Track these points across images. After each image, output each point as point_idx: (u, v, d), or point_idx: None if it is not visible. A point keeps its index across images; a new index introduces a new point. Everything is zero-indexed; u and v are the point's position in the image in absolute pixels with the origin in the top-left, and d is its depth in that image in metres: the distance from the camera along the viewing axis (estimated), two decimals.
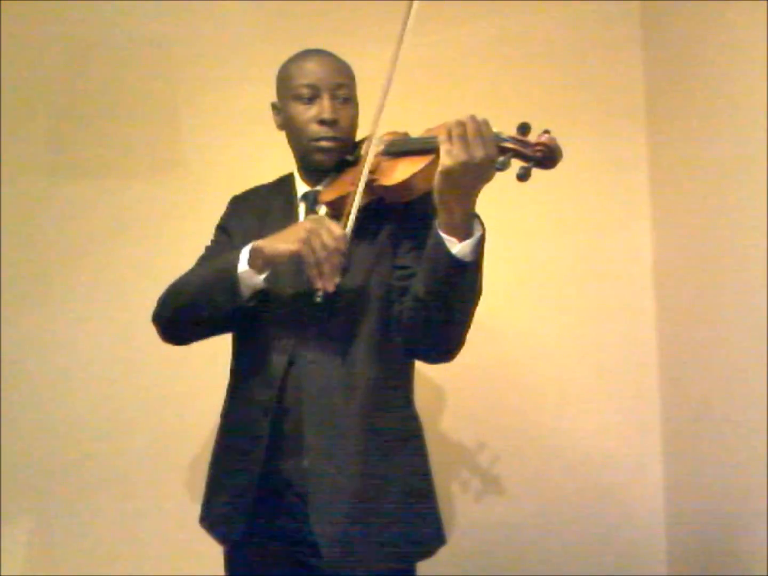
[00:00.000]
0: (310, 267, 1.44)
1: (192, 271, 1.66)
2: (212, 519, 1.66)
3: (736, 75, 1.96)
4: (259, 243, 1.49)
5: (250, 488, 1.55)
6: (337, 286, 1.47)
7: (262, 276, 1.50)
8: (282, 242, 1.47)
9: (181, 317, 1.61)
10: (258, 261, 1.49)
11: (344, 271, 1.48)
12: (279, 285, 1.55)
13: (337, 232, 1.43)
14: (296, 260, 1.47)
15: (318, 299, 1.46)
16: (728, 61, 2.00)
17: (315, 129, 1.57)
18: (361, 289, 1.54)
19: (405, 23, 1.50)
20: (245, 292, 1.51)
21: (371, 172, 1.51)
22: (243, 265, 1.49)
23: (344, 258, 1.44)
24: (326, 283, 1.43)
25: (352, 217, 1.47)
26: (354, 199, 1.48)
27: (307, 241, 1.43)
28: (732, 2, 1.95)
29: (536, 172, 1.30)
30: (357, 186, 1.49)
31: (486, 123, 1.29)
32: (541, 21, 2.41)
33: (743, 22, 1.92)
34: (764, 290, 1.83)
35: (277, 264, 1.50)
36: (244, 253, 1.50)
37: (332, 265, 1.42)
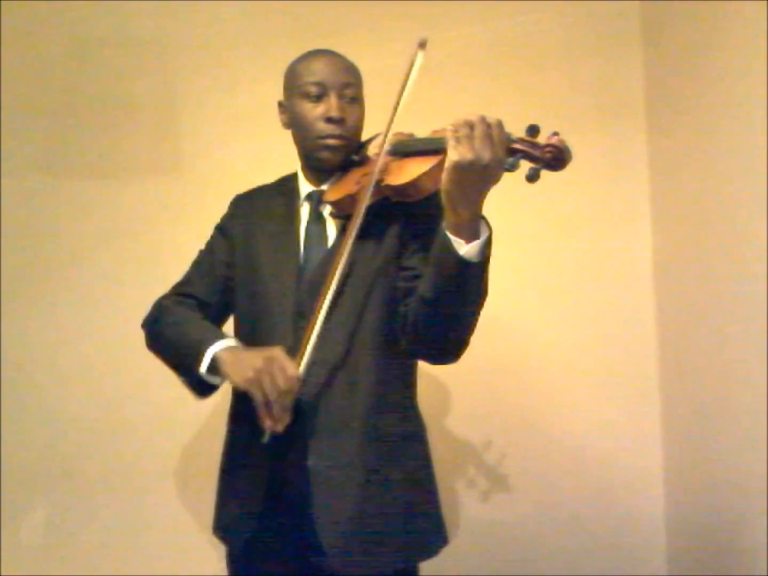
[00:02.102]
0: (258, 407, 1.41)
1: (170, 314, 1.66)
2: (224, 524, 1.66)
3: (736, 75, 1.96)
4: (221, 356, 1.48)
5: (258, 489, 1.55)
6: (343, 287, 1.47)
7: (220, 379, 1.51)
8: (237, 371, 1.44)
9: (158, 355, 1.66)
10: (216, 372, 1.49)
11: (347, 278, 1.49)
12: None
13: (290, 372, 1.39)
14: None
15: (265, 440, 1.45)
16: (728, 61, 2.00)
17: (322, 127, 1.57)
18: (367, 290, 1.54)
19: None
20: (206, 380, 1.52)
21: (378, 172, 1.51)
22: (203, 367, 1.49)
23: (295, 397, 1.42)
24: (274, 424, 1.42)
25: (310, 347, 1.45)
26: (315, 325, 1.46)
27: (257, 382, 1.39)
28: (732, 2, 1.96)
29: (544, 173, 1.30)
30: (360, 208, 1.47)
31: (499, 124, 1.28)
32: (541, 21, 2.41)
33: (743, 23, 1.92)
34: (764, 290, 1.83)
35: None
36: (206, 359, 1.49)
37: (282, 406, 1.41)
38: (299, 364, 1.43)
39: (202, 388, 1.55)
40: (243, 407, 1.63)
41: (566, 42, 2.43)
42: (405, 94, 1.50)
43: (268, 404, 1.40)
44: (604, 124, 2.41)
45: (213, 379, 1.51)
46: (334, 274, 1.47)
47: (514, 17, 2.41)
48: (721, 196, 2.05)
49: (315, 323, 1.46)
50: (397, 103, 1.50)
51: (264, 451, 1.53)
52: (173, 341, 1.60)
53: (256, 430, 1.55)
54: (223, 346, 1.49)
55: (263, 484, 1.55)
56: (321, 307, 1.46)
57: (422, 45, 1.51)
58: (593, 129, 2.39)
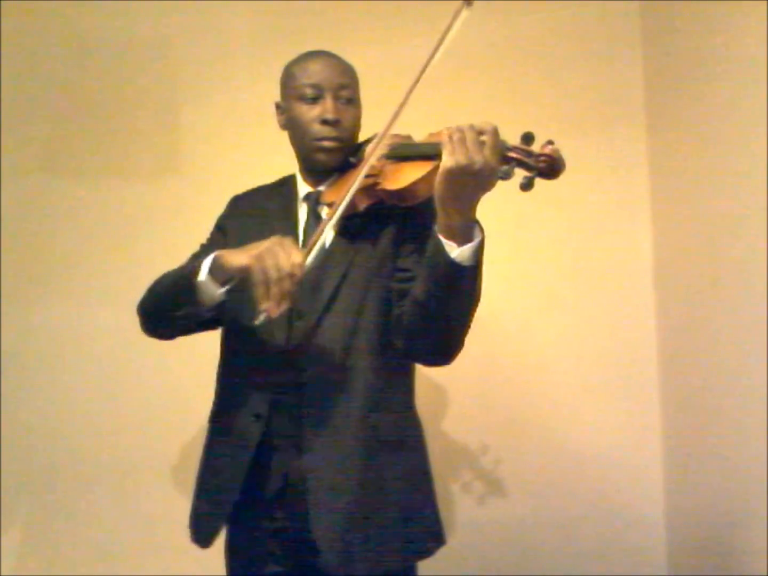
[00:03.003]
0: (257, 285, 1.38)
1: (175, 269, 1.65)
2: (195, 521, 1.65)
3: (736, 75, 1.96)
4: (221, 252, 1.47)
5: (233, 494, 1.55)
6: (339, 287, 1.46)
7: (223, 289, 1.47)
8: (239, 255, 1.43)
9: (155, 314, 1.63)
10: (217, 271, 1.47)
11: (343, 278, 1.47)
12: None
13: (295, 257, 1.37)
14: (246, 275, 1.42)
15: (258, 321, 1.38)
16: (728, 61, 2.00)
17: (317, 129, 1.57)
18: (362, 292, 1.54)
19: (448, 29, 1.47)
20: (206, 301, 1.49)
21: (374, 175, 1.50)
22: (203, 275, 1.47)
23: (297, 287, 1.38)
24: (271, 307, 1.38)
25: (318, 246, 1.43)
26: (329, 219, 1.45)
27: (259, 258, 1.38)
28: (732, 3, 1.95)
29: (538, 182, 1.30)
30: (344, 197, 1.45)
31: (494, 131, 1.28)
32: (540, 21, 2.41)
33: (743, 23, 1.92)
34: (764, 290, 1.83)
35: (232, 277, 1.46)
36: (207, 262, 1.48)
37: (282, 288, 1.37)
38: (306, 255, 1.41)
39: (204, 309, 1.51)
40: (227, 411, 1.64)
41: (566, 43, 2.43)
42: (437, 55, 1.45)
43: (267, 284, 1.37)
44: (604, 126, 2.41)
45: (214, 291, 1.47)
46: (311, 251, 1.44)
47: (514, 18, 2.41)
48: (721, 196, 2.05)
49: (327, 222, 1.44)
50: (424, 69, 1.46)
51: (245, 453, 1.54)
52: (170, 278, 1.58)
53: (241, 431, 1.56)
54: (218, 251, 1.48)
55: (238, 486, 1.54)
56: (335, 212, 1.44)
57: (469, 2, 1.46)
58: (593, 130, 2.39)
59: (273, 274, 1.36)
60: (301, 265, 1.38)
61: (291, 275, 1.36)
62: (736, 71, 1.96)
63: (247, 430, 1.55)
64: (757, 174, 1.84)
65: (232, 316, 1.61)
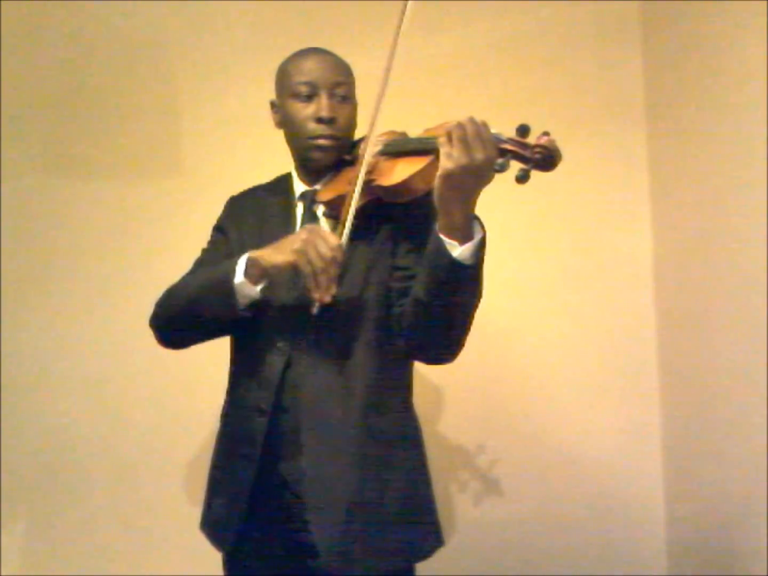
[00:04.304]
0: (306, 278, 1.43)
1: (189, 276, 1.65)
2: (210, 524, 1.66)
3: (736, 75, 1.96)
4: (256, 254, 1.49)
5: (245, 491, 1.55)
6: (336, 287, 1.47)
7: (259, 287, 1.49)
8: (278, 253, 1.46)
9: (177, 323, 1.62)
10: (254, 272, 1.48)
11: (341, 278, 1.47)
12: (276, 293, 1.54)
13: (333, 241, 1.42)
14: (293, 271, 1.47)
15: (315, 310, 1.46)
16: (728, 61, 2.00)
17: (312, 127, 1.57)
18: (360, 291, 1.54)
19: (400, 23, 1.48)
20: (242, 302, 1.50)
21: (369, 172, 1.50)
22: (239, 277, 1.48)
23: (340, 268, 1.44)
24: (323, 294, 1.43)
25: (348, 224, 1.47)
26: (350, 204, 1.48)
27: (303, 252, 1.42)
28: (732, 2, 1.95)
29: (535, 174, 1.30)
30: (354, 189, 1.48)
31: (485, 125, 1.28)
32: (540, 21, 2.41)
33: (743, 22, 1.92)
34: (764, 290, 1.83)
35: (273, 275, 1.50)
36: (241, 264, 1.49)
37: (329, 275, 1.42)
38: (341, 236, 1.46)
39: (240, 310, 1.52)
40: (235, 410, 1.64)
41: (566, 42, 2.42)
42: (396, 50, 1.48)
43: (315, 274, 1.42)
44: (604, 124, 2.41)
45: (251, 291, 1.49)
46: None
47: (513, 17, 2.41)
48: (721, 195, 2.05)
49: (351, 202, 1.48)
50: (387, 70, 1.48)
51: (254, 452, 1.54)
52: (196, 284, 1.58)
53: (247, 430, 1.56)
54: (251, 252, 1.50)
55: (249, 483, 1.54)
56: (354, 190, 1.47)
57: None
58: (593, 129, 2.39)
59: (319, 263, 1.41)
60: (341, 246, 1.44)
61: (334, 260, 1.41)
62: (736, 70, 1.96)
63: (253, 428, 1.55)
64: (757, 174, 1.84)
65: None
